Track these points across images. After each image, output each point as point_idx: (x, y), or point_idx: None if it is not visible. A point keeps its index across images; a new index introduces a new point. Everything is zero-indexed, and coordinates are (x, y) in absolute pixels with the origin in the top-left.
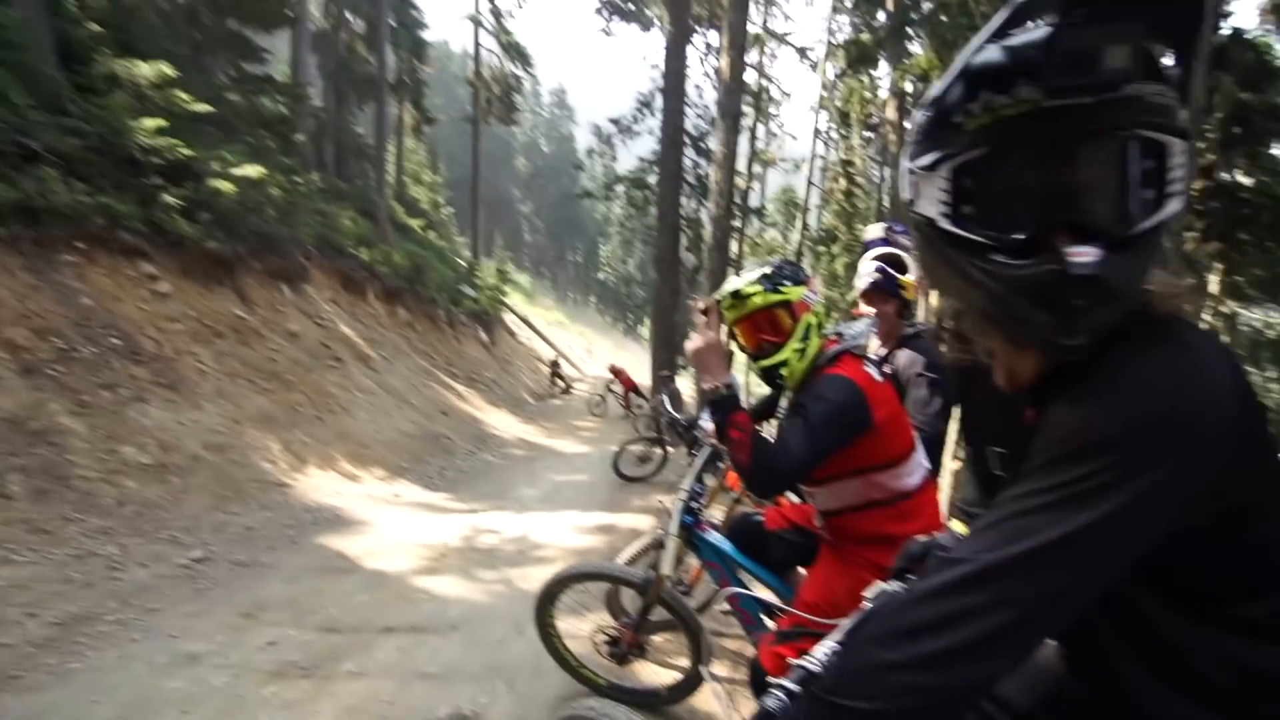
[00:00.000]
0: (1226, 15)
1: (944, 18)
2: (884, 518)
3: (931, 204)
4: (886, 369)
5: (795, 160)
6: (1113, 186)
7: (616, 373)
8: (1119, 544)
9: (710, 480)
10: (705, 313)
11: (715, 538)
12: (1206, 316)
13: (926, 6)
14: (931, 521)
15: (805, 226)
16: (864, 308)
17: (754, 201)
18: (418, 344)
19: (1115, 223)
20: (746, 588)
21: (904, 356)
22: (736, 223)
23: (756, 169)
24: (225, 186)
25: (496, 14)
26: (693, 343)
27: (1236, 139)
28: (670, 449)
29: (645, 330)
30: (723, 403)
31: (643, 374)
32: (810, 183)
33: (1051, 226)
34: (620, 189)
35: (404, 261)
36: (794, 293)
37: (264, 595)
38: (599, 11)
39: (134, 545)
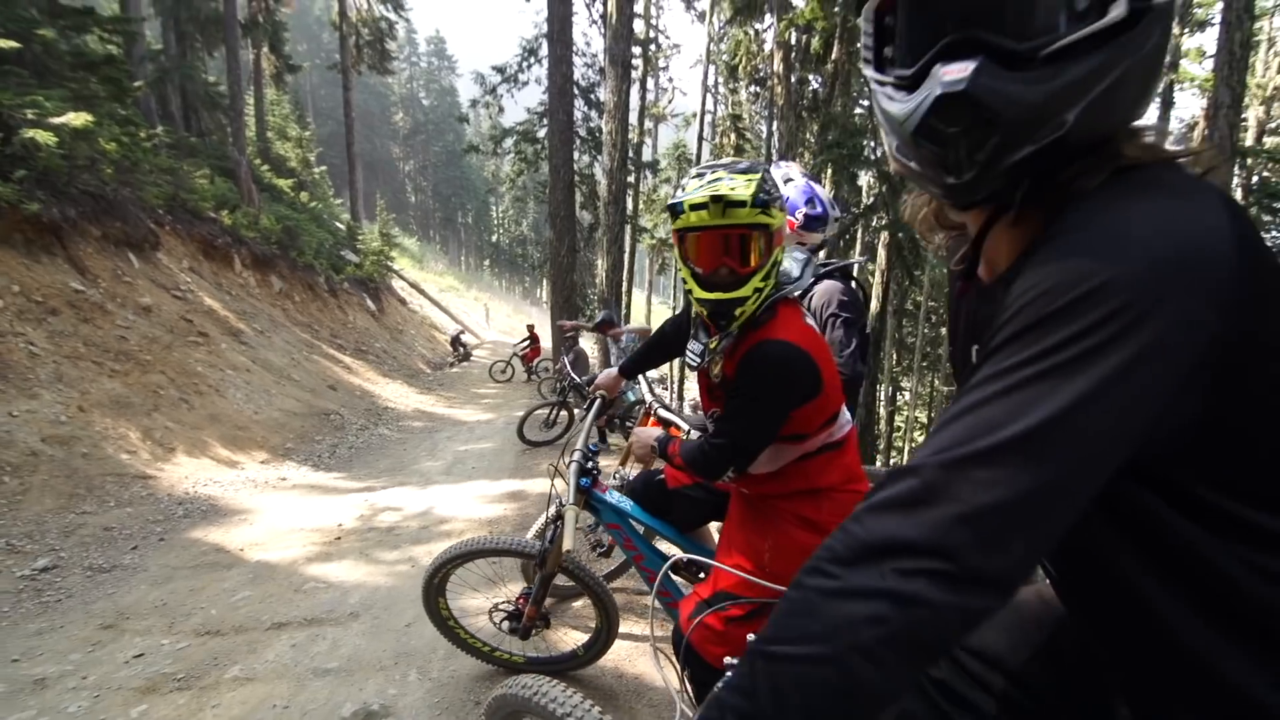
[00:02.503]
0: None
1: None
2: (812, 469)
3: (868, 57)
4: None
5: (685, 115)
6: None
7: (533, 335)
8: (1120, 419)
9: (616, 438)
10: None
11: (616, 498)
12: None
13: None
14: (853, 469)
15: None
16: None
17: (646, 156)
18: (296, 315)
19: (1013, 33)
20: (652, 549)
21: (818, 296)
22: (630, 178)
23: (648, 124)
24: (44, 137)
25: None
26: (639, 444)
27: None
28: (577, 411)
29: (544, 292)
30: (659, 446)
31: (545, 336)
32: (701, 138)
33: (940, 52)
34: (509, 143)
35: (273, 225)
36: (778, 218)
37: (128, 602)
38: None
39: None
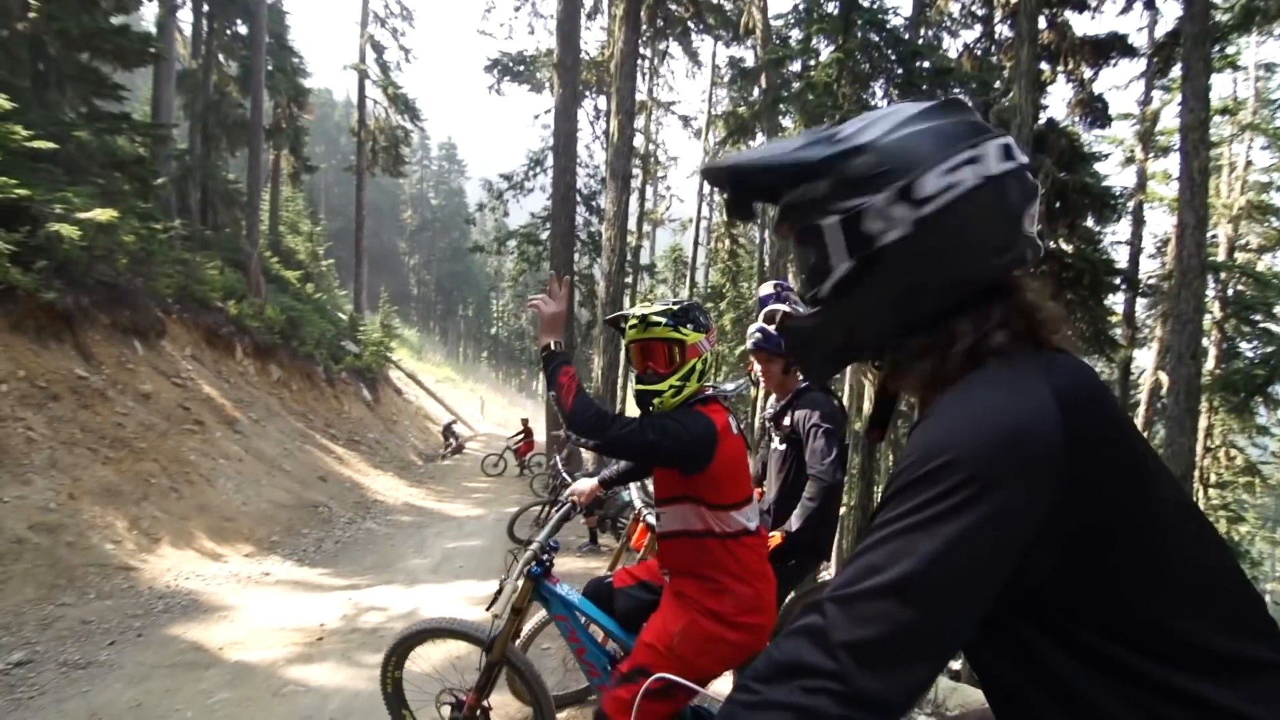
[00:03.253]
0: (1044, 107)
1: (810, 96)
2: (719, 561)
3: None
4: (786, 422)
5: (682, 220)
6: (802, 264)
7: (528, 429)
8: (971, 572)
9: (607, 538)
10: (560, 284)
11: (565, 590)
12: None
13: (795, 86)
14: (756, 573)
15: (694, 283)
16: (755, 364)
17: (645, 259)
18: (292, 404)
19: (808, 291)
20: (595, 644)
21: (800, 411)
22: (628, 279)
23: (646, 228)
24: (68, 231)
25: (384, 66)
26: (546, 305)
27: (1058, 212)
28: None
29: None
30: (554, 356)
31: (539, 430)
32: (697, 242)
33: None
34: (513, 244)
35: (277, 316)
36: (691, 336)
37: (102, 701)
38: (489, 70)
39: None
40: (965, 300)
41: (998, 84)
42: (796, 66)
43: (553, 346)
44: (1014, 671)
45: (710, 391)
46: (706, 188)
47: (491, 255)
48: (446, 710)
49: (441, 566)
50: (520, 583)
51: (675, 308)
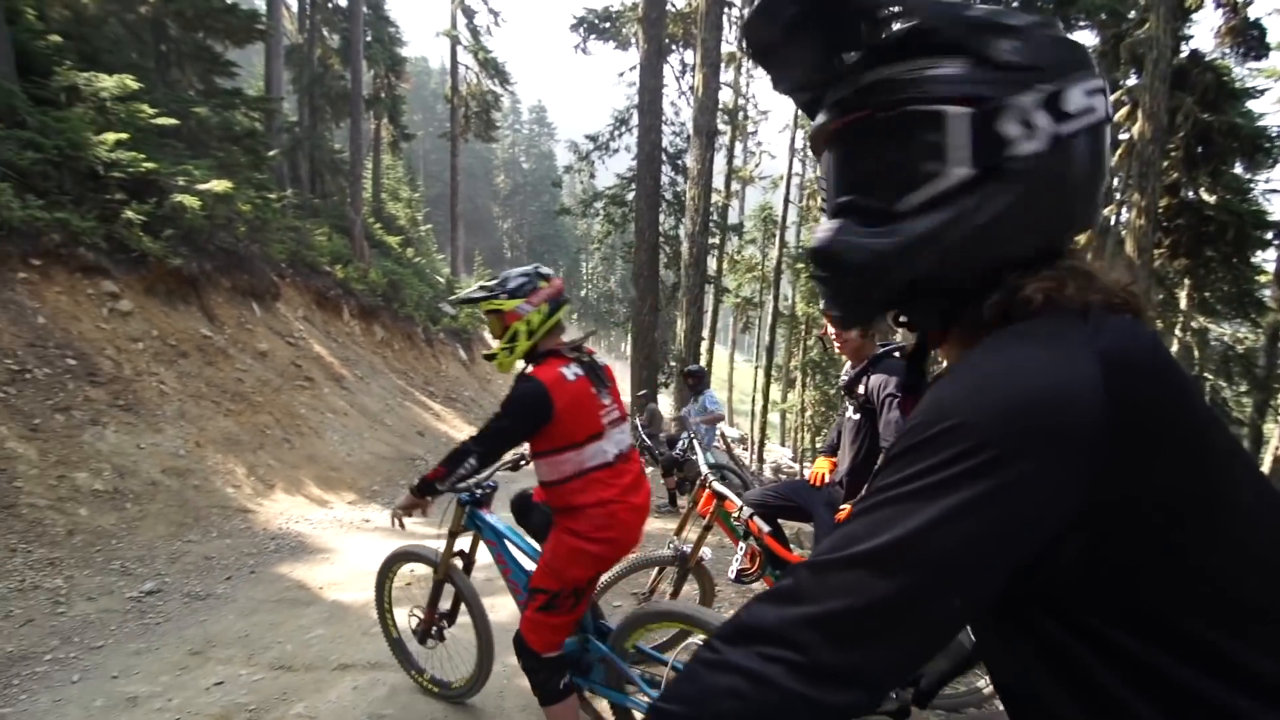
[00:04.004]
0: (1186, 38)
1: None
2: (573, 490)
3: None
4: (860, 390)
5: (773, 178)
6: (856, 169)
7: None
8: (969, 548)
9: (681, 501)
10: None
11: (493, 519)
12: (1177, 332)
13: None
14: (611, 495)
15: (783, 244)
16: (829, 326)
17: (733, 218)
18: (394, 363)
19: (880, 198)
20: (519, 566)
21: (875, 378)
22: (714, 240)
23: (735, 186)
24: (190, 202)
25: (474, 31)
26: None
27: (1199, 158)
28: (648, 470)
29: (628, 348)
30: (425, 484)
31: (624, 391)
32: (788, 200)
33: (830, 212)
34: (599, 206)
35: (380, 279)
36: (507, 304)
37: (216, 630)
38: (575, 29)
39: (82, 578)
40: (1050, 248)
41: (1132, 13)
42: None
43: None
44: (1031, 667)
45: (554, 347)
46: (799, 143)
47: (579, 218)
48: (413, 622)
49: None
50: (453, 508)
51: (491, 282)
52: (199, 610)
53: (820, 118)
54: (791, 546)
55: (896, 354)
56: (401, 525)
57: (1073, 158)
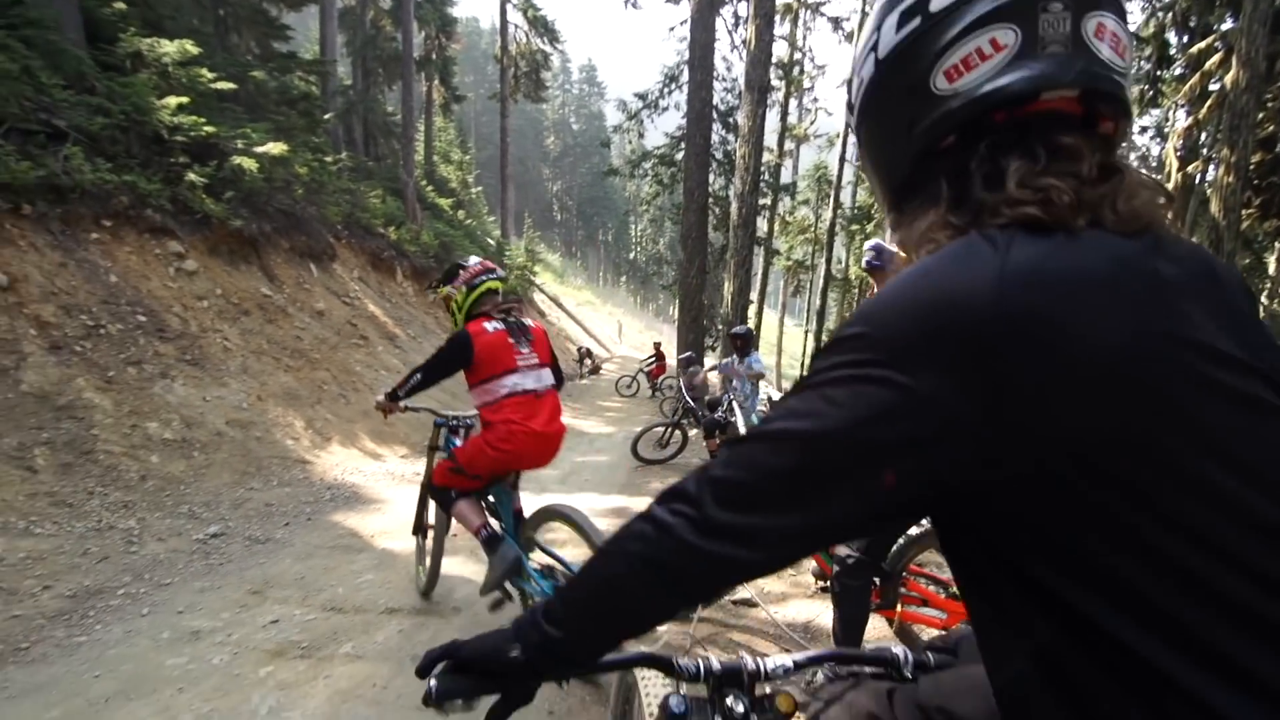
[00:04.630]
0: None
1: None
2: (490, 411)
3: None
4: None
5: (829, 136)
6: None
7: (660, 353)
8: (853, 446)
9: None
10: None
11: (457, 441)
12: (1264, 300)
13: None
14: (511, 418)
15: (838, 204)
16: (875, 286)
17: (785, 178)
18: (445, 323)
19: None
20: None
21: None
22: (765, 201)
23: (788, 145)
24: (249, 164)
25: None
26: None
27: None
28: (692, 432)
29: (676, 311)
30: (390, 394)
31: (671, 354)
32: (843, 159)
33: None
34: (647, 166)
35: (432, 241)
36: (442, 290)
37: (274, 572)
38: None
39: (153, 520)
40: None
41: None
42: None
43: (390, 394)
44: (979, 604)
45: (484, 309)
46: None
47: (628, 179)
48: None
49: (570, 478)
50: (433, 428)
51: (441, 274)
52: (259, 553)
53: None
54: None
55: None
56: (385, 416)
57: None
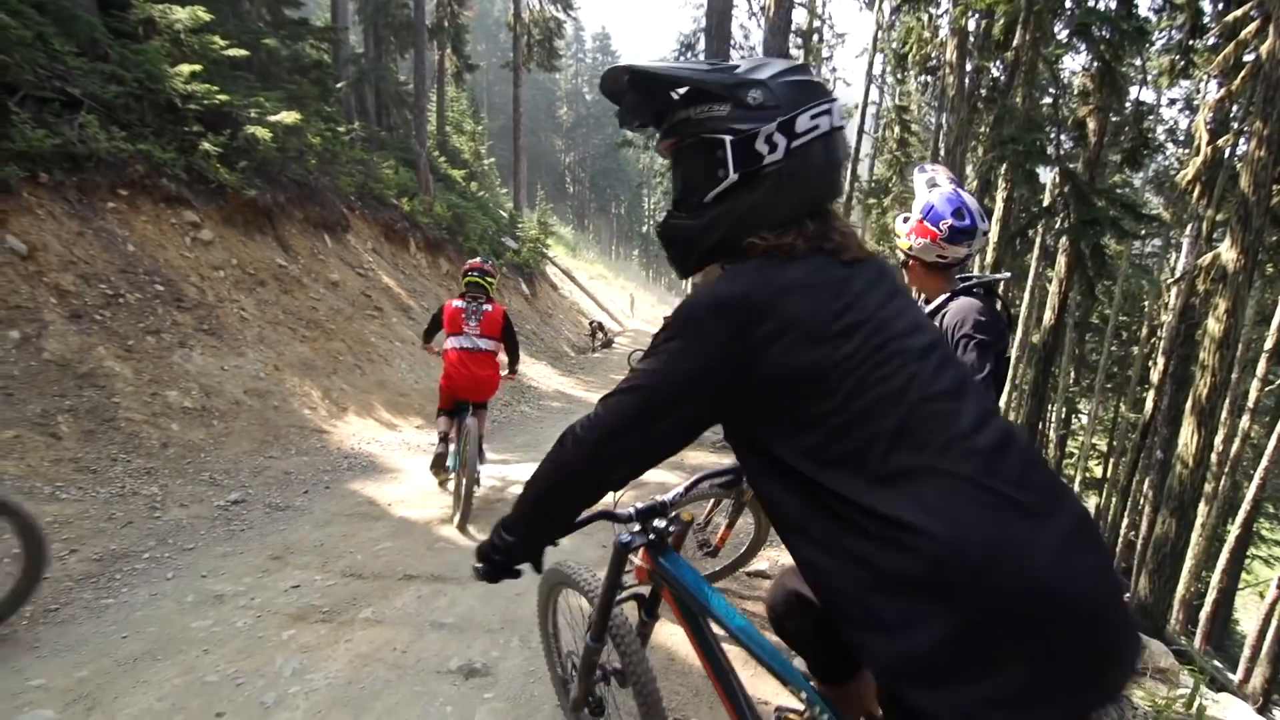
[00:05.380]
0: None
1: None
2: (445, 353)
3: None
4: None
5: (847, 107)
6: (679, 175)
7: None
8: (673, 385)
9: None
10: None
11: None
12: None
13: None
14: (451, 361)
15: (855, 177)
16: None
17: None
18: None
19: (685, 197)
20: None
21: (952, 312)
22: None
23: None
24: (263, 133)
25: None
26: None
27: None
28: None
29: (688, 285)
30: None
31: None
32: (861, 131)
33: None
34: None
35: (445, 213)
36: (494, 282)
37: (294, 539)
38: None
39: (175, 486)
40: (807, 215)
41: None
42: None
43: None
44: (764, 477)
45: (461, 293)
46: (877, 68)
47: (641, 150)
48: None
49: None
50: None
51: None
52: (279, 520)
53: (657, 139)
54: None
55: (976, 290)
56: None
57: (806, 160)
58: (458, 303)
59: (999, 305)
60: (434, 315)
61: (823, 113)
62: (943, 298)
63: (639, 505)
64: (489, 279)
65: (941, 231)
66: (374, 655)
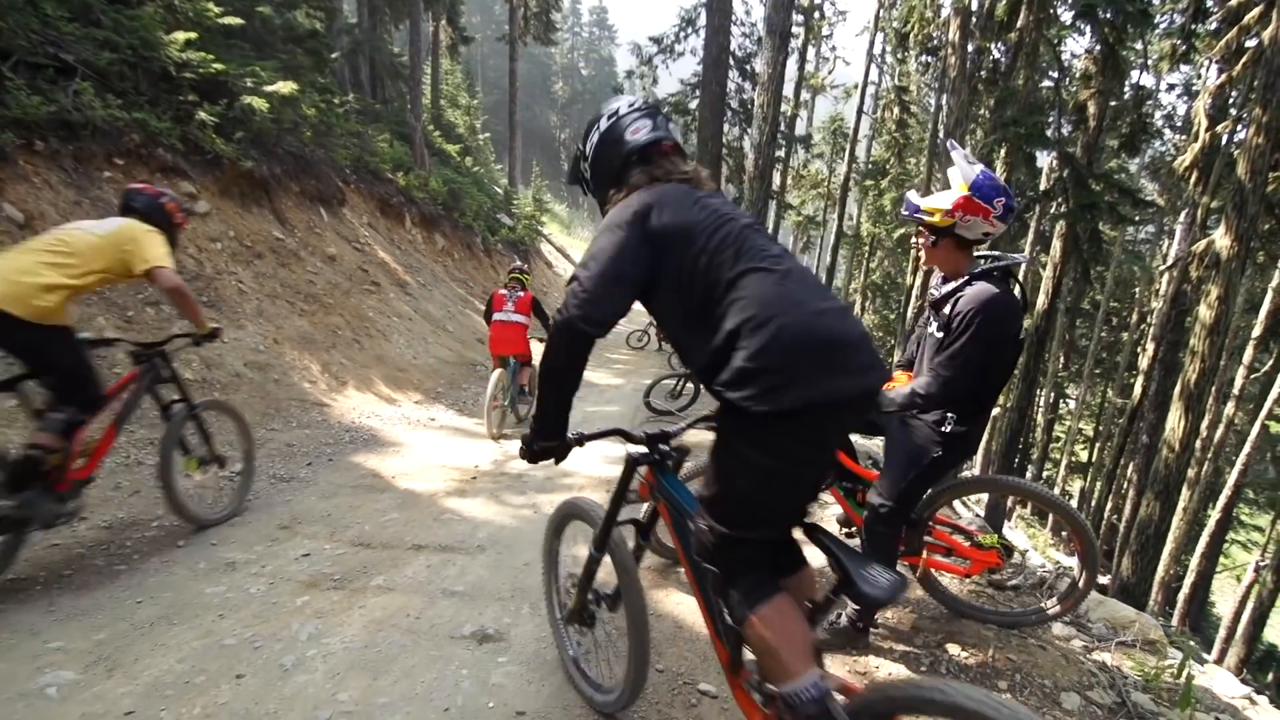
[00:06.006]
0: None
1: None
2: (491, 324)
3: None
4: (945, 311)
5: (846, 87)
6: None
7: None
8: (613, 257)
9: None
10: None
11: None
12: None
13: None
14: (499, 332)
15: (853, 158)
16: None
17: (800, 130)
18: (454, 271)
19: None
20: None
21: (968, 296)
22: (780, 152)
23: (805, 95)
24: (259, 104)
25: None
26: None
27: None
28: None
29: None
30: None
31: None
32: (860, 111)
33: None
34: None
35: (440, 188)
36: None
37: (301, 509)
38: None
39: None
40: (625, 167)
41: None
42: None
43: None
44: (669, 326)
45: (505, 283)
46: (877, 48)
47: None
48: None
49: (581, 427)
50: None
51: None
52: (284, 490)
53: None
54: (864, 461)
55: (996, 274)
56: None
57: (605, 145)
58: (502, 291)
59: (1016, 289)
60: (487, 301)
61: (639, 118)
62: (961, 280)
63: (649, 430)
64: (525, 275)
65: (995, 209)
66: (388, 621)
